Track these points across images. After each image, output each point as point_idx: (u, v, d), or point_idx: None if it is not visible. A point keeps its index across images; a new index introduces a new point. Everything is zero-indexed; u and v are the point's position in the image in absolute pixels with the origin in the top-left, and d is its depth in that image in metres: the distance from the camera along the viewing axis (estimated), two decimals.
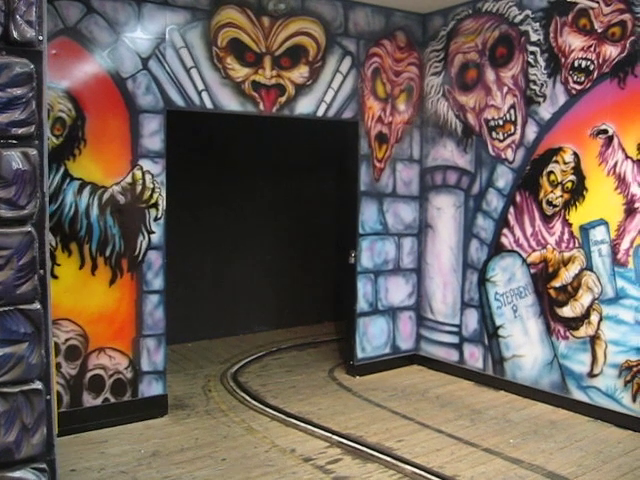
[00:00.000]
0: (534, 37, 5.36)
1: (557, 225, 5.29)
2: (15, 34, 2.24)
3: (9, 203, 2.26)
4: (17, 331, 2.29)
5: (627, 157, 4.77)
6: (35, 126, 2.30)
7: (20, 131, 2.27)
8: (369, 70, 6.04)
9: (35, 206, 2.32)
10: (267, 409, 5.25)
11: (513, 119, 5.59)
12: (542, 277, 5.42)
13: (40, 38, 2.31)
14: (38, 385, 2.37)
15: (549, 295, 5.37)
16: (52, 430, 2.43)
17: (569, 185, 5.19)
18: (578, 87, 5.08)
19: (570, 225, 5.20)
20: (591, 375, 5.07)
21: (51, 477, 2.42)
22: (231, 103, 5.31)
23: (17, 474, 2.33)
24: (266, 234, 7.97)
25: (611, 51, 4.85)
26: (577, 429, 4.87)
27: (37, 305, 2.35)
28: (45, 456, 2.40)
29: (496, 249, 5.81)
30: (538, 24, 5.33)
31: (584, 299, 5.10)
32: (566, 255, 5.23)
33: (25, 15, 2.25)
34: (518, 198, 5.59)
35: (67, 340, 4.71)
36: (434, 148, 6.37)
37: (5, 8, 2.21)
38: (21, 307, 2.30)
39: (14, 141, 2.26)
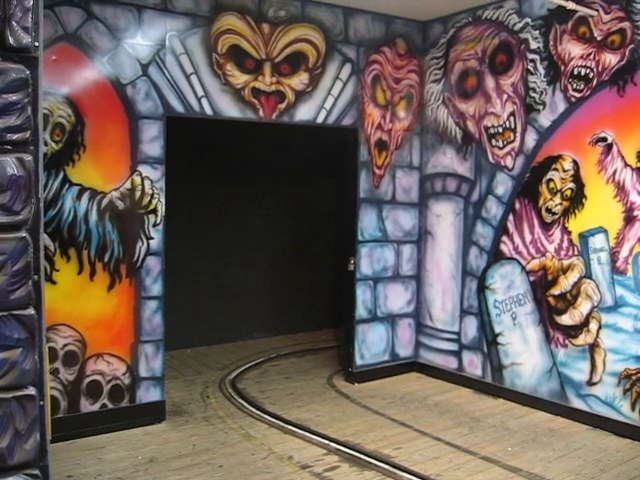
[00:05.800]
0: (534, 45, 5.37)
1: (556, 233, 5.28)
2: (11, 40, 2.24)
3: (4, 208, 2.25)
4: (11, 337, 2.29)
5: (626, 165, 4.77)
6: (30, 132, 2.30)
7: (15, 137, 2.26)
8: (369, 77, 6.05)
9: (30, 212, 2.31)
10: (265, 416, 5.23)
11: (513, 127, 5.59)
12: (541, 285, 5.41)
13: (36, 44, 2.31)
14: (31, 391, 2.36)
15: (548, 303, 5.36)
16: (45, 436, 2.42)
17: (568, 193, 5.19)
18: (577, 95, 5.08)
19: (569, 233, 5.19)
20: (590, 383, 5.05)
21: None
22: (231, 109, 5.32)
23: None
24: (265, 240, 7.97)
25: (610, 59, 4.85)
26: (576, 437, 4.85)
27: (31, 311, 2.34)
28: (38, 462, 2.39)
29: (495, 256, 5.80)
30: (538, 32, 5.34)
31: (583, 307, 5.09)
32: (565, 263, 5.22)
33: (21, 21, 2.25)
34: (517, 205, 5.59)
35: (65, 345, 4.70)
36: (434, 155, 6.37)
37: (1, 14, 2.21)
38: (15, 312, 2.29)
39: (9, 147, 2.26)
